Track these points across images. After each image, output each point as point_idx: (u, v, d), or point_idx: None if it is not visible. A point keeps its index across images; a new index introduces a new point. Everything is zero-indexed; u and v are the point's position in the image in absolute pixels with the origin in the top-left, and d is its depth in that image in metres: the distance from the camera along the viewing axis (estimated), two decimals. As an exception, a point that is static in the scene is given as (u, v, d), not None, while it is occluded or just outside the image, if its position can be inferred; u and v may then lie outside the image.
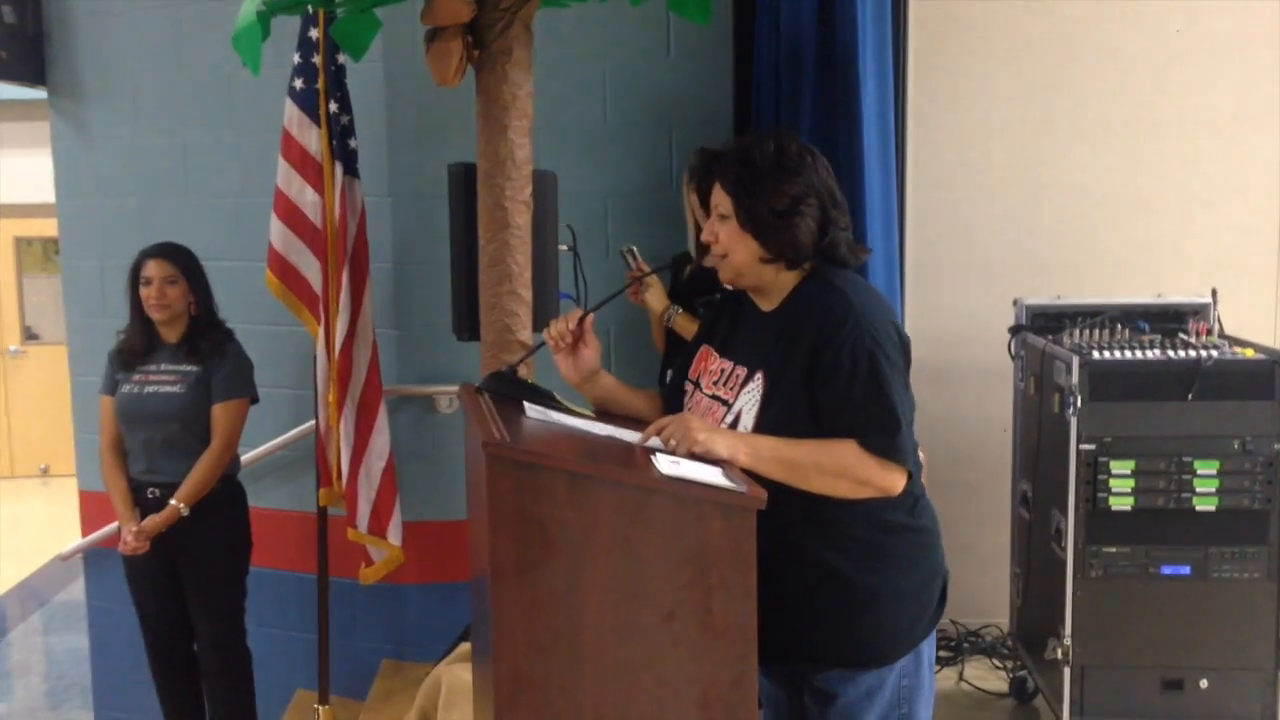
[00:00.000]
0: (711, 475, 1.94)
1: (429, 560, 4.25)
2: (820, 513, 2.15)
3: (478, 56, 3.04)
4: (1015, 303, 3.89)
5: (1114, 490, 3.31)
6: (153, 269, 3.76)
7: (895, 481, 2.12)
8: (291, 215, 3.86)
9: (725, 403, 2.25)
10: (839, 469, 2.09)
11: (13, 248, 10.67)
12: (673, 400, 2.42)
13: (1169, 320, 3.71)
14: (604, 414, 2.37)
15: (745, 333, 2.32)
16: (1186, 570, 3.31)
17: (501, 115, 3.04)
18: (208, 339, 3.82)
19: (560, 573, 1.85)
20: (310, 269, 3.88)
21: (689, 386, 2.39)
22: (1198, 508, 3.30)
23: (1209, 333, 3.56)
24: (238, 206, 4.43)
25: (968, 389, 4.24)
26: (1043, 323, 3.81)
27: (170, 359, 3.82)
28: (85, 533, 4.79)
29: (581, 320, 2.33)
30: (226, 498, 3.87)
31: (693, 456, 2.03)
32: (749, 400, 2.20)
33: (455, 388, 4.20)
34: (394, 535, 3.99)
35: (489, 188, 3.07)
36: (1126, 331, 3.60)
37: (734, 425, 2.20)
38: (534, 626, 1.85)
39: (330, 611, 4.17)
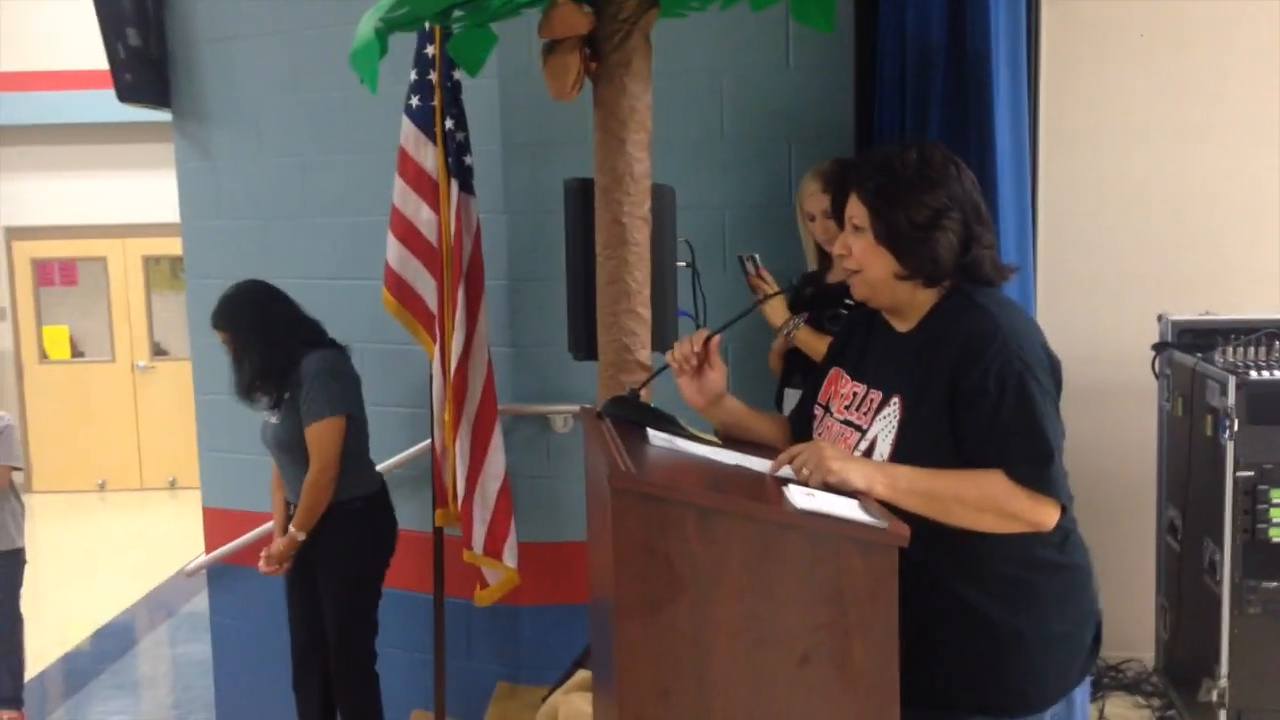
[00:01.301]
0: (848, 508, 1.82)
1: (544, 582, 4.18)
2: (962, 547, 2.01)
3: (595, 69, 2.96)
4: (1160, 318, 3.68)
5: (1274, 521, 3.09)
6: (218, 336, 3.88)
7: (1047, 515, 1.97)
8: (408, 233, 3.84)
9: (859, 428, 2.12)
10: (984, 502, 1.95)
11: (142, 266, 10.96)
12: (801, 426, 2.30)
13: (1328, 337, 3.47)
14: (729, 440, 2.26)
15: (879, 354, 2.19)
16: (1353, 607, 3.08)
17: (620, 129, 2.95)
18: (283, 370, 3.81)
19: (688, 612, 1.74)
20: (426, 287, 3.85)
21: (819, 411, 2.27)
22: (1366, 540, 3.06)
23: (1375, 351, 3.32)
24: (355, 226, 4.42)
25: (1106, 409, 4.02)
26: (1190, 339, 3.60)
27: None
28: (209, 549, 4.84)
29: (707, 341, 2.22)
30: (359, 515, 3.90)
31: (826, 487, 1.91)
32: (885, 426, 2.07)
33: (571, 407, 4.16)
34: (509, 557, 3.92)
35: (607, 203, 2.99)
36: (1283, 350, 3.37)
37: (869, 453, 2.07)
38: (660, 669, 1.74)
39: (446, 632, 4.13)
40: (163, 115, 4.94)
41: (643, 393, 2.38)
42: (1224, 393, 3.11)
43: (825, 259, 3.60)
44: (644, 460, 1.91)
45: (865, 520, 1.77)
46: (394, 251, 3.86)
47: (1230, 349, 3.38)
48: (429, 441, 4.19)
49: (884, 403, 2.09)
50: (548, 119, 4.10)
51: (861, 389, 2.17)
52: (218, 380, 4.67)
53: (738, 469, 2.00)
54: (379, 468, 4.27)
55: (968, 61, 3.24)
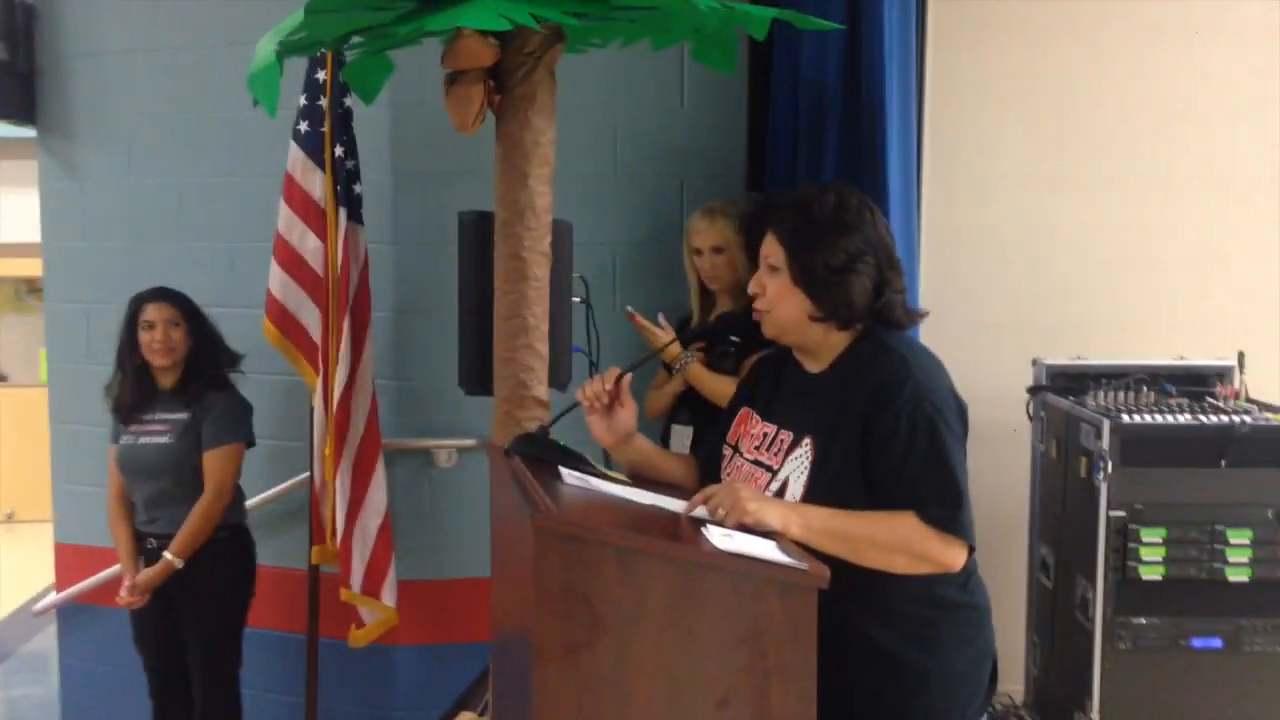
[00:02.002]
0: (766, 549, 1.82)
1: (422, 621, 4.08)
2: (869, 587, 2.03)
3: (499, 102, 2.93)
4: (1035, 362, 3.80)
5: (1144, 559, 3.22)
6: (155, 312, 3.66)
7: (956, 557, 2.01)
8: (292, 262, 3.74)
9: (769, 469, 2.14)
10: (896, 543, 1.98)
11: (-16, 287, 10.49)
12: (710, 465, 2.31)
13: (1191, 383, 3.64)
14: (638, 479, 2.25)
15: (790, 395, 2.21)
16: (1218, 643, 3.21)
17: (523, 163, 2.93)
18: (198, 384, 3.71)
19: (608, 655, 1.72)
20: (310, 317, 3.75)
21: (728, 451, 2.27)
22: (1230, 578, 3.20)
23: (1236, 396, 3.48)
24: (233, 251, 4.29)
25: (981, 450, 4.09)
26: (1063, 383, 3.72)
27: (164, 407, 3.72)
28: (60, 586, 4.60)
29: (619, 380, 2.21)
30: (227, 545, 3.75)
31: (742, 528, 1.91)
32: (796, 467, 2.08)
33: (456, 442, 4.10)
34: (388, 596, 3.83)
35: (507, 237, 2.96)
36: (1152, 394, 3.51)
37: (780, 493, 2.09)
38: (580, 712, 1.71)
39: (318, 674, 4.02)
40: (24, 131, 4.75)
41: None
42: (1099, 435, 3.22)
43: (707, 295, 3.64)
44: (562, 499, 1.89)
45: (785, 561, 1.78)
46: (277, 279, 3.76)
47: (1101, 393, 3.50)
48: (304, 476, 4.08)
49: (795, 444, 2.11)
50: (439, 150, 4.06)
51: (772, 429, 2.18)
52: (76, 409, 4.49)
53: (654, 509, 1.99)
54: (252, 501, 4.14)
55: (862, 109, 3.32)
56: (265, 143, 4.18)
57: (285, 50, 2.68)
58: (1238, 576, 3.19)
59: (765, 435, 2.19)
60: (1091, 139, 4.19)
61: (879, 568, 1.98)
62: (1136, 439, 3.21)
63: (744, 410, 2.28)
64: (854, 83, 3.35)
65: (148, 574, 3.65)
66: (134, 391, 3.70)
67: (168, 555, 3.63)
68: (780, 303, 2.13)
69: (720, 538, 1.82)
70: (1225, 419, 3.21)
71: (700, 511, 1.96)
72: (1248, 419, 3.21)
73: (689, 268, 3.69)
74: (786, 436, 2.14)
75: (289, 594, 4.19)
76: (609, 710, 1.72)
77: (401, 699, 4.16)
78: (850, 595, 2.01)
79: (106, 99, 4.46)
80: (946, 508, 1.98)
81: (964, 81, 4.13)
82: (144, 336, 3.66)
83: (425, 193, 4.09)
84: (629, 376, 2.23)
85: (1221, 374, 3.66)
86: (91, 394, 4.21)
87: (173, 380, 3.73)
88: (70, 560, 4.57)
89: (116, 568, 4.17)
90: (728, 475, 2.23)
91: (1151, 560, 3.20)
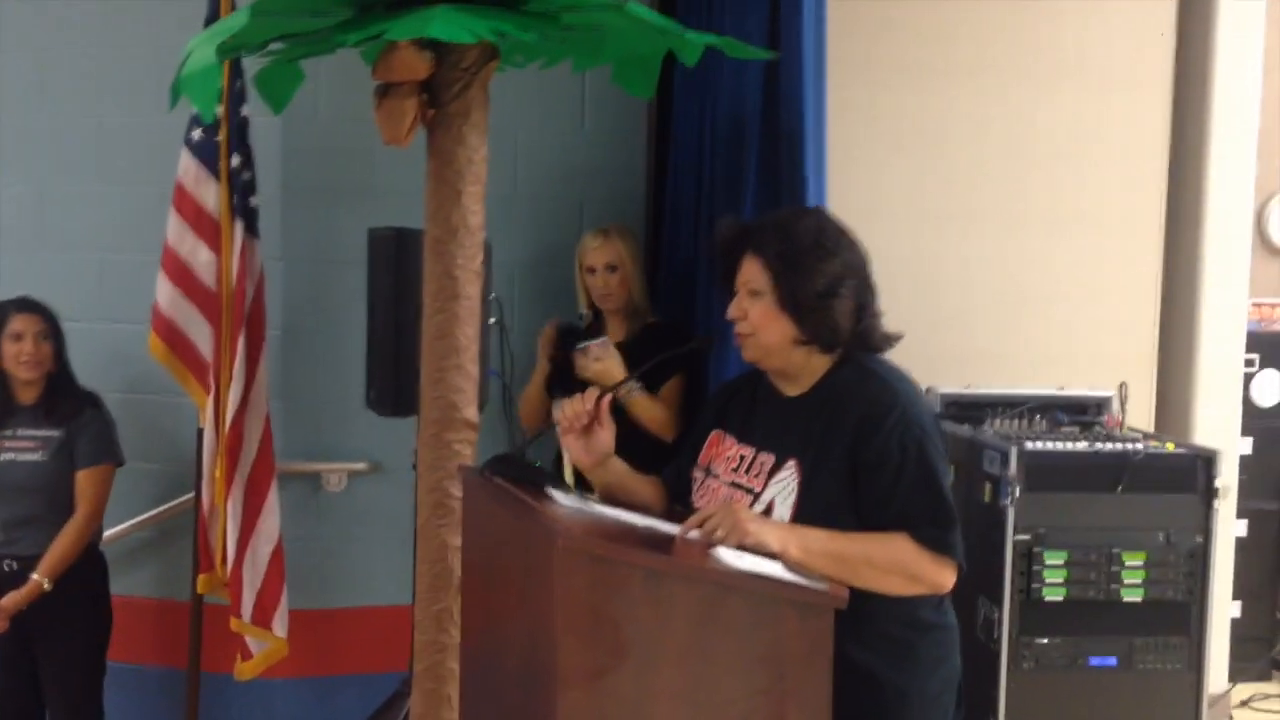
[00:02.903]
0: (776, 570, 1.81)
1: (306, 652, 3.91)
2: (851, 608, 2.03)
3: (432, 116, 2.85)
4: (928, 390, 3.90)
5: (1048, 581, 3.32)
6: (23, 324, 3.45)
7: (948, 578, 2.04)
8: (182, 275, 3.56)
9: (751, 491, 2.12)
10: (892, 564, 1.99)
11: None
12: (678, 488, 2.28)
13: (1073, 412, 3.79)
14: (610, 501, 2.21)
15: (767, 418, 2.20)
16: (1113, 661, 3.34)
17: (456, 180, 2.85)
18: (68, 401, 3.52)
19: (631, 678, 1.68)
20: (201, 334, 3.58)
21: (699, 474, 2.25)
22: (1125, 599, 3.34)
23: (1120, 426, 3.65)
24: (99, 263, 4.06)
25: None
26: (956, 411, 3.83)
27: (29, 423, 3.50)
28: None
29: (599, 401, 2.17)
30: (88, 571, 3.55)
31: (741, 549, 1.89)
32: (781, 490, 2.08)
33: (346, 465, 3.96)
34: (279, 626, 3.67)
35: (439, 254, 2.86)
36: (1044, 423, 3.65)
37: (765, 515, 2.07)
38: (602, 740, 1.66)
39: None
40: None
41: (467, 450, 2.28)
42: (1004, 462, 3.33)
43: (598, 313, 3.63)
44: (573, 521, 1.83)
45: (803, 582, 1.77)
46: (165, 293, 3.57)
47: (998, 421, 3.62)
48: (179, 500, 3.88)
49: (778, 466, 2.11)
50: (332, 165, 3.94)
51: (749, 451, 2.17)
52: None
53: (650, 530, 1.95)
54: (123, 525, 3.90)
55: (781, 138, 3.36)
56: (140, 148, 3.98)
57: (224, 52, 2.55)
58: (1132, 597, 3.33)
59: (743, 458, 2.18)
60: (973, 176, 4.33)
61: (873, 589, 1.99)
62: (1040, 465, 3.32)
63: (715, 433, 2.27)
64: (774, 111, 3.39)
65: (14, 597, 3.41)
66: None
67: (35, 577, 3.40)
68: (765, 327, 2.12)
69: (732, 558, 1.79)
70: (1121, 447, 3.36)
71: (694, 534, 1.94)
72: (1141, 447, 3.36)
73: (580, 287, 3.68)
74: (768, 459, 2.13)
75: (158, 626, 3.97)
76: (630, 737, 1.68)
77: (282, 734, 3.98)
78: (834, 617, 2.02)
79: (-39, 97, 4.17)
80: (939, 529, 2.01)
81: (855, 117, 4.23)
82: (10, 348, 3.45)
83: (316, 209, 3.96)
84: (609, 397, 2.20)
85: (1100, 404, 3.83)
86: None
87: (33, 395, 3.53)
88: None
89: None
90: (701, 498, 2.21)
91: (1054, 582, 3.32)
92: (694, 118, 3.77)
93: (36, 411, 3.52)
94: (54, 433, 3.49)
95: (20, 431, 3.50)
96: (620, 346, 3.42)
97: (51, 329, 3.54)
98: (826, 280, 2.09)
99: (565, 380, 3.44)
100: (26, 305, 3.53)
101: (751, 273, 2.14)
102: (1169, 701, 3.35)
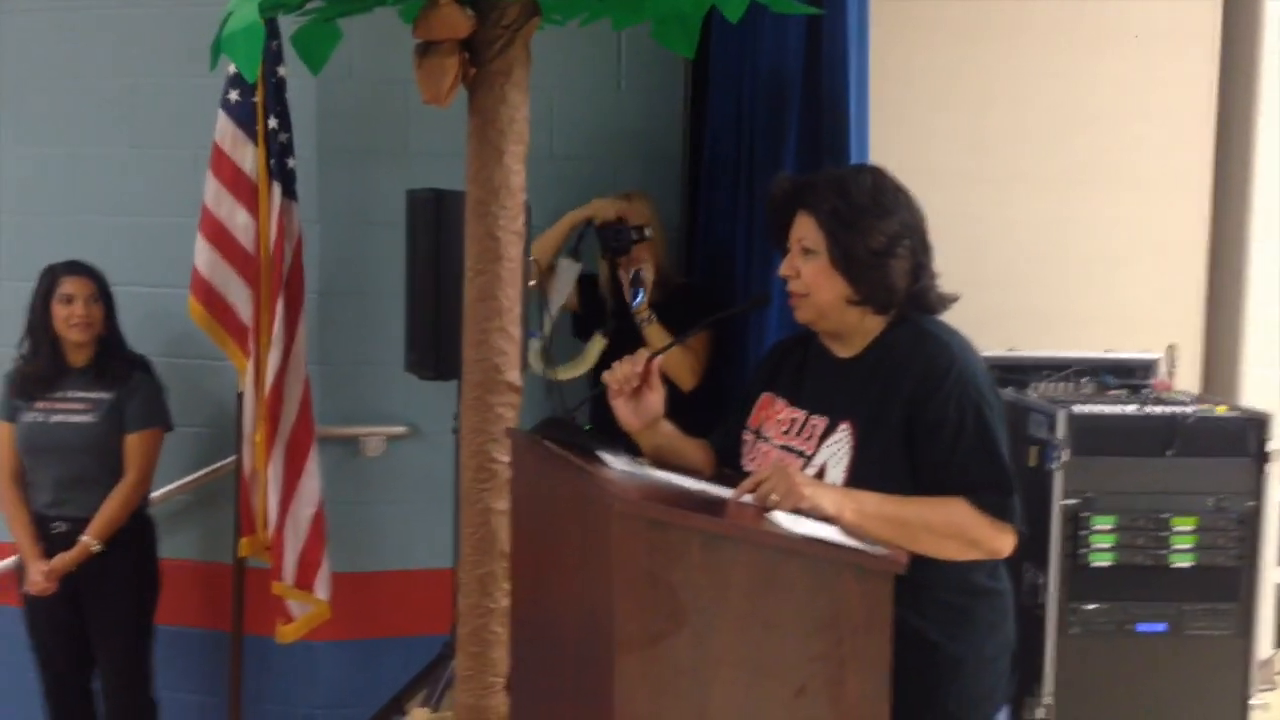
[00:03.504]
0: (833, 534, 1.78)
1: (347, 615, 3.91)
2: (907, 573, 2.00)
3: (474, 75, 2.81)
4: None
5: (1095, 546, 3.28)
6: (75, 286, 3.46)
7: (1006, 543, 2.00)
8: (220, 238, 3.54)
9: (802, 454, 2.09)
10: (949, 529, 1.95)
11: None
12: (727, 451, 2.25)
13: (1119, 375, 3.73)
14: (659, 465, 2.17)
15: (818, 380, 2.16)
16: (1162, 627, 3.30)
17: (498, 139, 2.81)
18: (119, 364, 3.54)
19: (688, 644, 1.65)
20: (240, 297, 3.57)
21: (749, 436, 2.22)
22: (1174, 564, 3.29)
23: (1170, 388, 3.59)
24: (136, 227, 4.04)
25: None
26: (1000, 374, 3.76)
27: (79, 385, 3.52)
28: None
29: (649, 363, 2.14)
30: (136, 532, 3.59)
31: (797, 513, 1.86)
32: (835, 453, 2.04)
33: (386, 429, 3.95)
34: (321, 589, 3.67)
35: (481, 216, 2.83)
36: (1090, 385, 3.59)
37: (818, 479, 2.04)
38: (658, 705, 1.64)
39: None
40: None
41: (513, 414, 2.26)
42: (1051, 425, 3.28)
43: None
44: (628, 485, 1.81)
45: (862, 546, 1.74)
46: (204, 257, 3.55)
47: (1044, 384, 3.57)
48: (220, 464, 3.89)
49: (830, 429, 2.07)
50: (368, 127, 3.91)
51: (801, 414, 2.14)
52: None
53: (704, 494, 1.92)
54: (166, 488, 3.91)
55: (823, 98, 3.30)
56: (174, 110, 3.97)
57: (264, 11, 2.51)
58: (1182, 562, 3.28)
59: (794, 420, 2.14)
60: (1014, 136, 4.25)
61: (929, 554, 1.95)
62: (1088, 429, 3.27)
63: (765, 395, 2.23)
64: (815, 72, 3.33)
65: (64, 558, 3.46)
66: (47, 366, 3.46)
67: (85, 539, 3.44)
68: (818, 286, 2.08)
69: (789, 522, 1.76)
70: (1171, 410, 3.30)
71: (747, 498, 1.91)
72: (1190, 410, 3.30)
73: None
74: (820, 422, 2.09)
75: (202, 588, 3.99)
76: (688, 702, 1.66)
77: (324, 696, 4.01)
78: (887, 582, 1.99)
79: (-4, 62, 4.15)
80: (998, 493, 1.97)
81: (897, 77, 4.15)
82: (61, 310, 3.45)
83: (353, 171, 3.93)
84: (659, 359, 2.16)
85: (1148, 366, 3.76)
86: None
87: (85, 358, 3.55)
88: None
89: (7, 562, 3.89)
90: (752, 461, 2.17)
91: (1102, 547, 3.27)
92: (733, 78, 3.71)
93: (87, 374, 3.54)
94: (105, 395, 3.51)
95: (71, 394, 3.52)
96: (653, 309, 3.41)
97: (101, 291, 3.56)
98: (883, 239, 2.05)
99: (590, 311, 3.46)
100: (76, 268, 3.55)
101: (805, 230, 2.10)
102: (1218, 667, 3.31)
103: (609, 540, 1.62)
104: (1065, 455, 3.25)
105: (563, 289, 3.56)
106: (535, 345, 3.46)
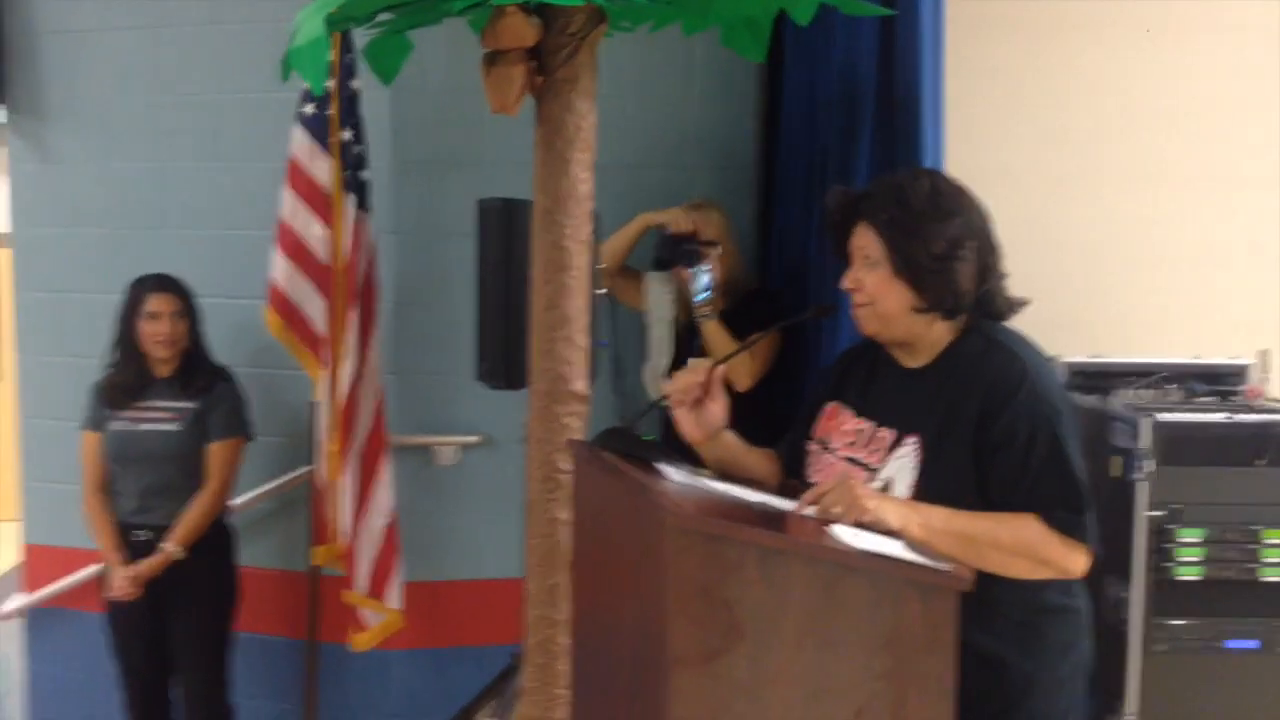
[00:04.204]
0: (897, 550, 1.73)
1: (420, 624, 3.94)
2: (975, 593, 1.94)
3: (541, 84, 2.81)
4: (1053, 360, 3.75)
5: (1181, 560, 3.17)
6: (160, 303, 3.54)
7: (1078, 563, 1.93)
8: (297, 250, 3.58)
9: (869, 467, 2.04)
10: (1019, 547, 1.89)
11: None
12: (793, 462, 2.21)
13: (1208, 381, 3.61)
14: (724, 477, 2.14)
15: (886, 391, 2.11)
16: (1255, 644, 3.18)
17: (565, 148, 2.81)
18: (203, 374, 3.61)
19: (746, 661, 1.62)
20: (315, 308, 3.60)
21: (814, 447, 2.18)
22: (1265, 578, 3.18)
23: (1261, 395, 3.47)
24: (217, 239, 4.11)
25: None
26: (1082, 381, 3.67)
27: (165, 395, 3.59)
28: (31, 588, 4.37)
29: (711, 372, 2.11)
30: (217, 540, 3.64)
31: (860, 527, 1.82)
32: (902, 466, 1.99)
33: (458, 439, 3.97)
34: (393, 598, 3.70)
35: (548, 225, 2.82)
36: (1178, 392, 3.48)
37: (883, 493, 1.99)
38: (715, 724, 1.60)
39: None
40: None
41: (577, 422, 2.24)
42: (1135, 434, 3.18)
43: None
44: (685, 497, 1.78)
45: (926, 563, 1.69)
46: (281, 269, 3.59)
47: (1128, 391, 3.47)
48: (300, 472, 3.93)
49: (898, 442, 2.02)
50: (440, 137, 3.94)
51: (868, 426, 2.09)
52: (48, 404, 4.28)
53: (765, 507, 1.89)
54: (245, 497, 3.96)
55: (897, 101, 3.25)
56: (254, 125, 4.02)
57: (332, 24, 2.53)
58: (1273, 576, 3.17)
59: (860, 432, 2.10)
60: (1095, 135, 4.15)
61: (998, 571, 1.90)
62: (1174, 437, 3.17)
63: (831, 405, 2.19)
64: (889, 73, 3.28)
65: (148, 564, 3.52)
66: (133, 377, 3.55)
67: (167, 546, 3.50)
68: (882, 296, 2.04)
69: (850, 537, 1.72)
70: (1262, 417, 3.19)
71: (809, 510, 1.87)
72: (1282, 418, 3.19)
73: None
74: (887, 434, 2.04)
75: (278, 596, 4.04)
76: (745, 721, 1.62)
77: (398, 705, 4.02)
78: (956, 600, 1.93)
79: (81, 79, 4.25)
80: (1070, 511, 1.91)
81: (973, 76, 4.07)
82: (147, 327, 3.52)
83: (426, 181, 3.96)
84: (722, 369, 2.13)
85: (1237, 373, 3.63)
86: (65, 388, 4.02)
87: (170, 369, 3.62)
88: (42, 561, 4.34)
89: (92, 569, 3.98)
90: (817, 472, 2.13)
91: (1189, 560, 3.17)
92: (805, 81, 3.67)
93: (173, 384, 3.61)
94: (189, 405, 3.57)
95: (157, 403, 3.59)
96: (721, 317, 3.38)
97: (187, 307, 3.62)
98: (944, 243, 2.00)
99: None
100: (163, 284, 3.61)
101: (865, 241, 2.05)
102: (1312, 686, 3.18)
103: (663, 554, 1.59)
104: (1150, 465, 3.15)
105: (659, 307, 3.54)
106: (649, 369, 3.46)
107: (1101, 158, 4.14)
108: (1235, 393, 3.49)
